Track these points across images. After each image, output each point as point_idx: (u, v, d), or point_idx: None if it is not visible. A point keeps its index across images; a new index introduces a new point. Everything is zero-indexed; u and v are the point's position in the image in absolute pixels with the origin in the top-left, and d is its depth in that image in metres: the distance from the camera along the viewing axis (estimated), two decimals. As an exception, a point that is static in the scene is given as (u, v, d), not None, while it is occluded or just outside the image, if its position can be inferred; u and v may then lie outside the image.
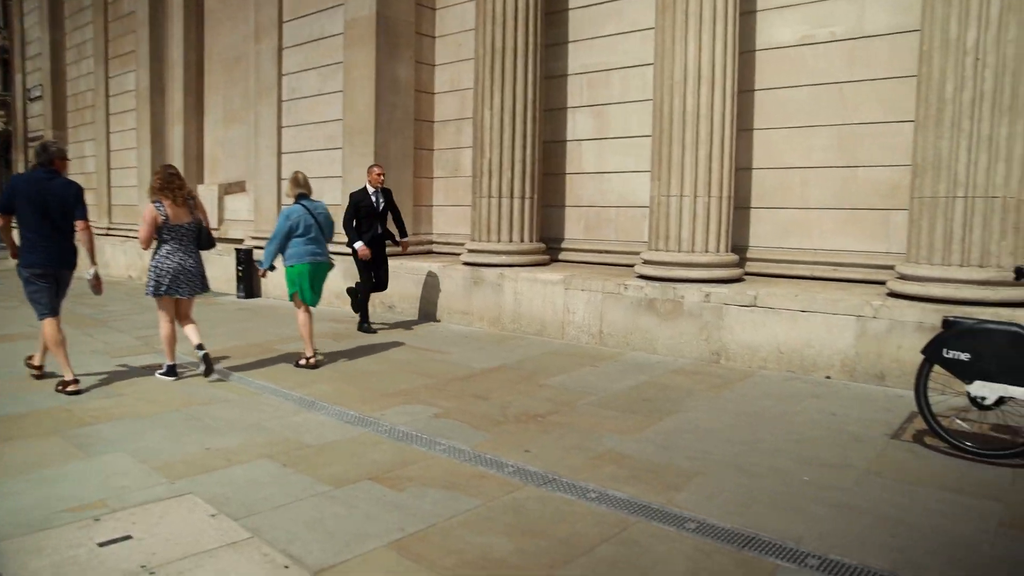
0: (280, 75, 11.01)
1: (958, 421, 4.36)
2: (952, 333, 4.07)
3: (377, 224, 7.83)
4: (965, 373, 4.01)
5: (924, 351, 4.18)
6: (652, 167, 6.90)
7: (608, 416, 4.86)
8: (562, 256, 8.63)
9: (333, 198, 10.27)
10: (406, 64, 9.72)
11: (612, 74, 8.26)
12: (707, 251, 6.58)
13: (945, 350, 4.06)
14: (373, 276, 7.96)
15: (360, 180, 8.39)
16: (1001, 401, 3.97)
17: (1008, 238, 5.23)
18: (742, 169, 7.17)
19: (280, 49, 10.98)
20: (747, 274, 7.00)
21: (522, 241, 8.12)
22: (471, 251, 8.27)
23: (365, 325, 7.96)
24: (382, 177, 7.85)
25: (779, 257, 7.04)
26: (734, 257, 6.75)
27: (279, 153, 11.11)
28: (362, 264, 7.80)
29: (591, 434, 4.48)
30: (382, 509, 3.37)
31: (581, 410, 5.00)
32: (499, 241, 8.08)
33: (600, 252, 8.35)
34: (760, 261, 7.15)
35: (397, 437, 4.43)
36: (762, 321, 6.06)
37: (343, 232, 7.73)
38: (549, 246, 8.60)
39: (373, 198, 7.76)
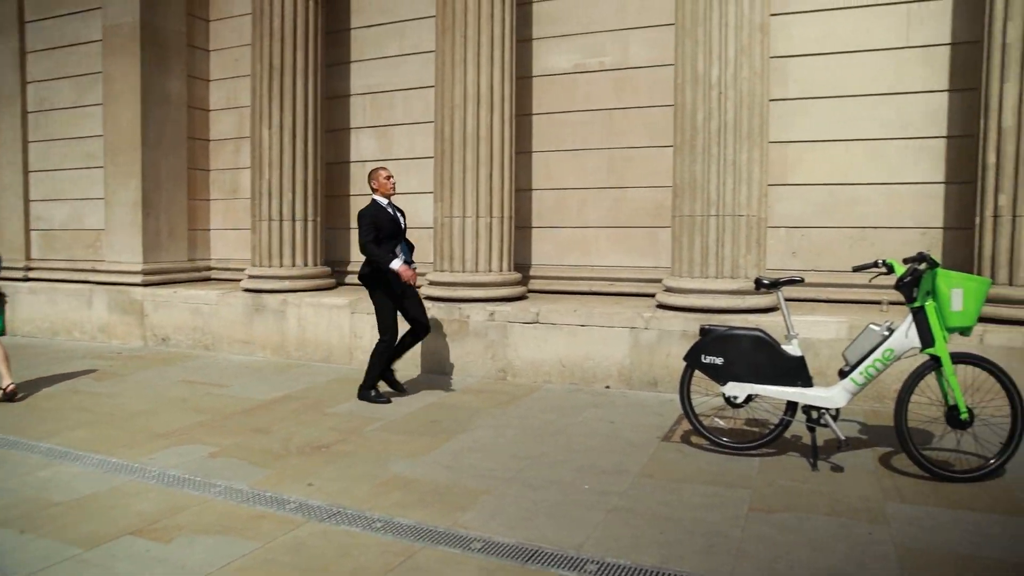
0: (24, 82, 9.85)
1: (716, 420, 4.78)
2: (708, 340, 4.44)
3: (404, 244, 5.83)
4: (719, 375, 4.40)
5: (685, 358, 4.53)
6: (435, 188, 6.96)
7: (396, 440, 4.77)
8: (349, 280, 8.43)
9: (96, 221, 9.32)
10: (177, 78, 9.08)
11: (395, 95, 8.25)
12: (491, 270, 6.72)
13: (703, 356, 4.42)
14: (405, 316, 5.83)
15: (127, 202, 7.68)
16: (750, 399, 4.39)
17: (753, 252, 5.85)
18: (523, 190, 7.45)
19: (23, 52, 9.83)
20: (531, 291, 7.25)
21: (306, 265, 7.83)
22: (252, 277, 7.83)
23: (379, 394, 5.83)
24: (393, 182, 5.82)
25: (561, 274, 7.37)
26: (517, 276, 6.95)
27: (25, 171, 9.90)
28: (391, 299, 5.67)
29: (378, 460, 4.37)
30: (144, 567, 3.03)
31: (369, 436, 4.87)
32: (281, 266, 7.73)
33: (388, 274, 8.26)
34: (543, 279, 7.44)
35: (167, 482, 4.04)
36: (545, 337, 6.28)
37: (372, 255, 5.56)
38: (335, 270, 8.37)
39: (390, 210, 5.75)
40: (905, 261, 4.20)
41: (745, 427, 4.87)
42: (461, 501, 3.72)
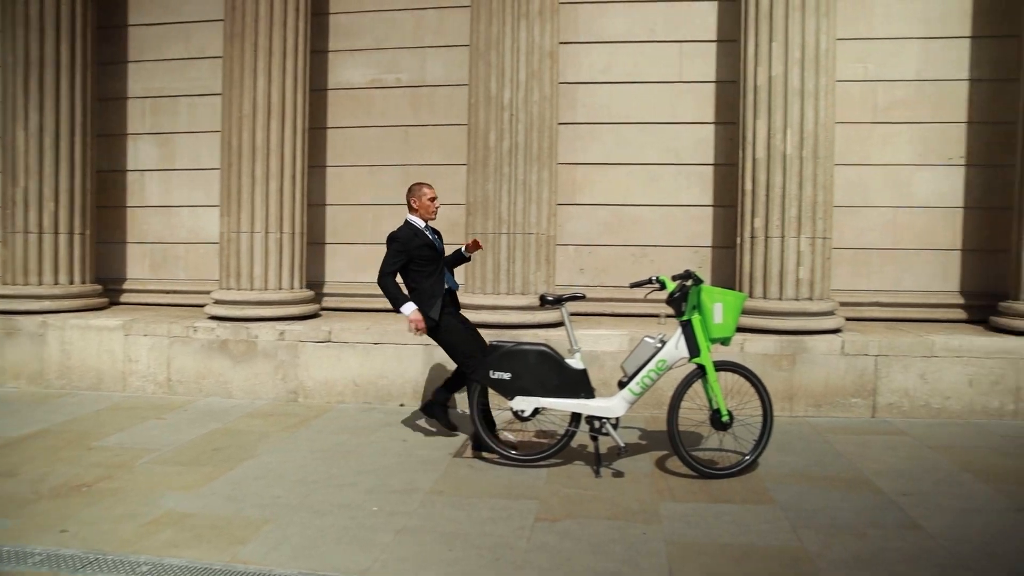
0: None
1: (506, 433, 4.88)
2: (495, 356, 4.49)
3: (447, 273, 5.09)
4: (507, 390, 4.48)
5: (474, 375, 4.59)
6: (222, 202, 6.56)
7: (171, 473, 4.40)
8: (124, 298, 7.73)
9: None
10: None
11: (180, 101, 7.71)
12: (281, 288, 6.45)
13: (491, 372, 4.48)
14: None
15: None
16: (536, 412, 4.52)
17: (543, 268, 6.09)
18: (316, 205, 7.24)
19: None
20: (325, 309, 7.04)
21: (71, 283, 7.05)
22: (3, 296, 6.92)
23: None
24: (438, 205, 5.09)
25: (356, 291, 7.21)
26: (309, 293, 6.72)
27: None
28: (456, 319, 5.02)
29: (149, 496, 3.99)
30: None
31: (139, 470, 4.45)
32: (40, 284, 6.90)
33: (169, 292, 7.66)
34: (338, 296, 7.25)
35: None
36: (337, 356, 6.11)
37: (385, 291, 4.90)
38: (108, 287, 7.62)
39: (428, 234, 5.01)
40: (675, 278, 4.55)
41: (535, 439, 5.00)
42: (241, 533, 3.49)
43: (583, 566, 3.18)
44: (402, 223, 5.02)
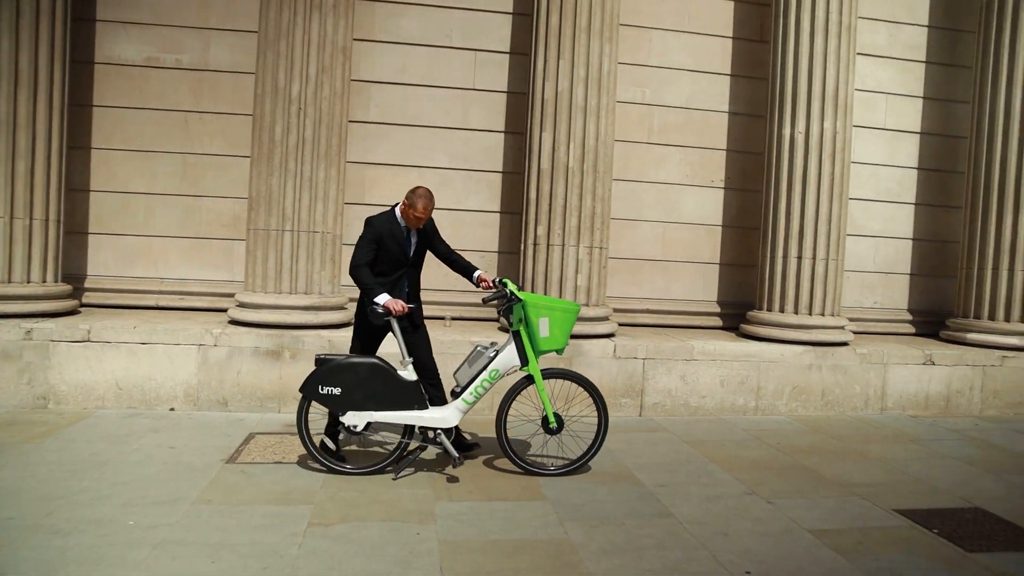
0: None
1: (327, 441, 4.60)
2: (325, 370, 4.28)
3: (406, 278, 4.70)
4: (339, 405, 4.30)
5: (301, 389, 4.33)
6: (-44, 180, 5.73)
7: None
8: None
9: None
10: None
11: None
12: (29, 281, 5.74)
13: (321, 387, 4.27)
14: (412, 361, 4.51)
15: None
16: (369, 426, 4.38)
17: (327, 268, 5.94)
18: (78, 190, 6.54)
19: None
20: (86, 306, 6.38)
21: None
22: None
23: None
24: (416, 216, 4.57)
25: (124, 287, 6.61)
26: (66, 288, 6.05)
27: None
28: (373, 332, 4.66)
29: None
30: None
31: None
32: None
33: None
34: (102, 291, 6.60)
35: None
36: (98, 357, 5.55)
37: (358, 281, 4.48)
38: None
39: (404, 233, 4.64)
40: (492, 283, 4.66)
41: (370, 449, 4.89)
42: (-43, 561, 3.06)
43: (355, 569, 3.14)
44: (386, 212, 4.69)
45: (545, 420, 4.57)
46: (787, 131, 6.77)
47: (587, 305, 6.20)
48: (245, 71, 6.58)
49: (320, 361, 4.32)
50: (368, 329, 4.62)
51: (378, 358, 4.40)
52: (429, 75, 6.92)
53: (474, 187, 7.00)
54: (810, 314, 6.60)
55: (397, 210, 4.64)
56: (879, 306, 7.95)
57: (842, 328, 6.72)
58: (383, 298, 4.39)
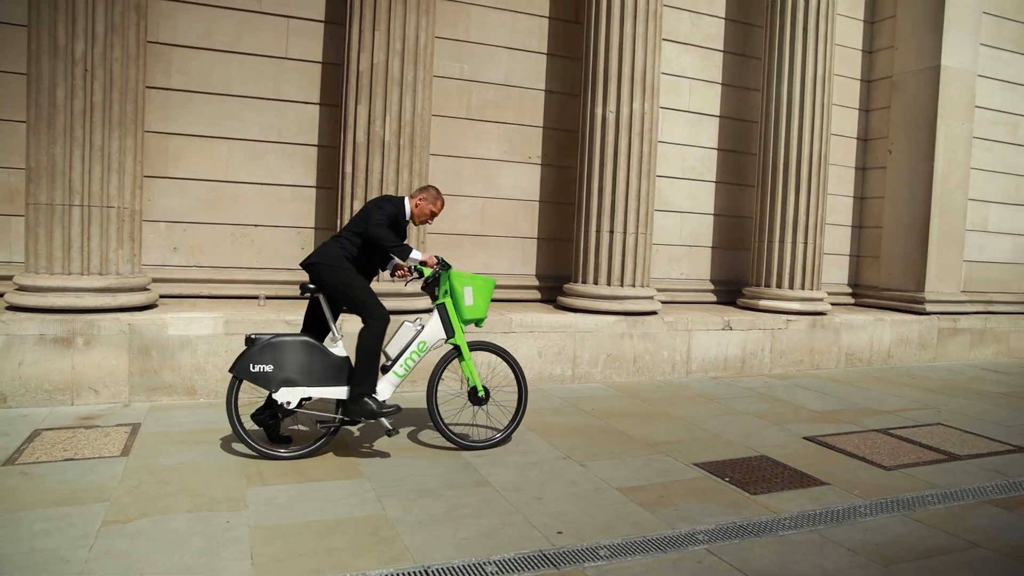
0: None
1: (253, 424, 4.44)
2: (256, 349, 4.20)
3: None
4: (270, 382, 4.23)
5: (232, 369, 4.23)
6: None
7: None
8: None
9: None
10: None
11: None
12: None
13: (251, 365, 4.19)
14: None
15: None
16: (301, 403, 4.32)
17: (126, 246, 5.46)
18: None
19: None
20: None
21: None
22: None
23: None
24: (430, 216, 4.80)
25: None
26: None
27: None
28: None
29: None
30: None
31: None
32: None
33: None
34: None
35: None
36: None
37: (385, 239, 4.39)
38: None
39: (405, 226, 4.74)
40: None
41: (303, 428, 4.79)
42: None
43: (156, 567, 2.93)
44: (390, 200, 4.66)
45: (473, 391, 4.69)
46: (599, 111, 7.06)
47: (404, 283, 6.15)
48: (15, 23, 5.85)
49: (250, 340, 4.26)
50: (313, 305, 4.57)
51: (307, 336, 4.37)
52: (238, 41, 6.51)
53: (288, 161, 6.70)
54: (622, 285, 6.97)
55: (407, 202, 4.71)
56: (685, 277, 8.54)
57: (651, 298, 7.15)
58: (417, 254, 4.47)
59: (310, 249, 6.70)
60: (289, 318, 5.67)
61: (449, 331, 4.60)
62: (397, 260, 4.68)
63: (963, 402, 6.82)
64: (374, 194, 6.04)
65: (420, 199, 4.71)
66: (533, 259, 7.74)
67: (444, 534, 3.37)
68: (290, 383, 4.25)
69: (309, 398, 4.36)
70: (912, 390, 7.27)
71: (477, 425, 5.00)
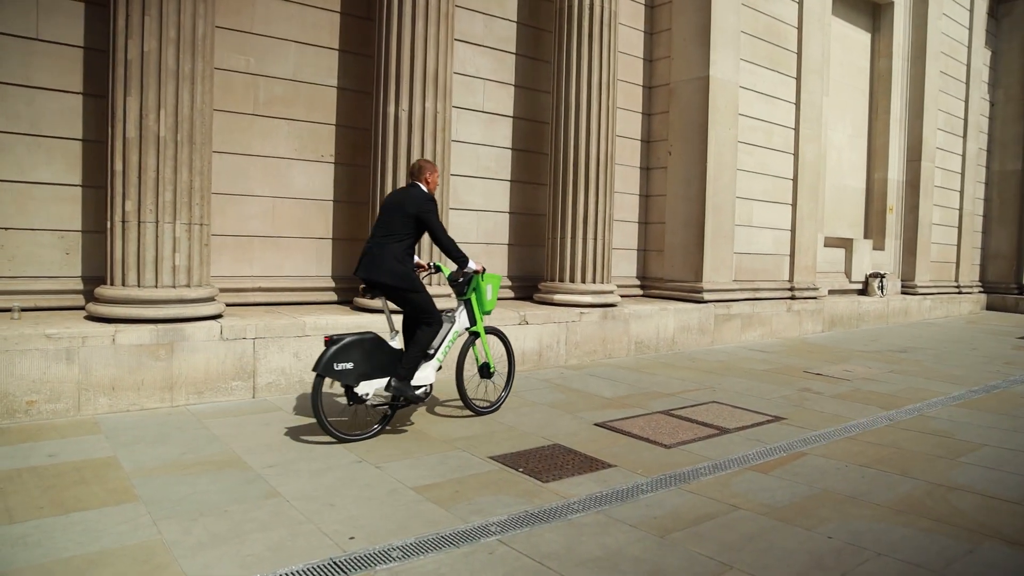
0: None
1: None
2: (338, 348, 4.70)
3: None
4: (351, 378, 4.79)
5: (315, 368, 4.66)
6: None
7: None
8: None
9: None
10: None
11: None
12: None
13: (335, 364, 4.69)
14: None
15: None
16: (370, 395, 4.92)
17: None
18: None
19: None
20: None
21: None
22: None
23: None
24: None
25: None
26: None
27: None
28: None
29: None
30: None
31: None
32: None
33: None
34: None
35: None
36: None
37: (455, 251, 5.27)
38: None
39: None
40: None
41: (364, 418, 5.25)
42: None
43: None
44: (414, 188, 5.22)
45: (485, 367, 5.70)
46: (392, 109, 7.00)
47: (188, 286, 5.74)
48: None
49: (331, 340, 4.74)
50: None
51: (374, 333, 4.98)
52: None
53: (45, 156, 6.00)
54: (420, 285, 6.96)
55: (422, 187, 5.22)
56: (483, 275, 8.71)
57: (450, 296, 7.19)
58: (473, 264, 5.38)
59: (76, 254, 6.08)
60: (50, 331, 5.09)
61: (473, 321, 5.55)
62: (420, 260, 5.42)
63: (734, 380, 7.52)
64: (150, 195, 5.55)
65: (430, 176, 5.29)
66: (328, 260, 7.52)
67: (227, 553, 3.17)
68: (368, 376, 4.87)
69: (378, 389, 4.98)
70: (692, 372, 7.90)
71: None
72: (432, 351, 5.26)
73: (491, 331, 5.82)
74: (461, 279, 5.49)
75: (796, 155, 11.65)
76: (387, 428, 5.12)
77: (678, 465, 4.66)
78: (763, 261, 11.21)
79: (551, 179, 8.65)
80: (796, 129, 11.65)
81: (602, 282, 8.50)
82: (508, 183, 8.92)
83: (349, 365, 4.75)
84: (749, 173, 10.89)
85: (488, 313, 5.70)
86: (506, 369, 5.98)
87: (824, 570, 3.26)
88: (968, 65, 17.28)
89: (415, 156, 6.95)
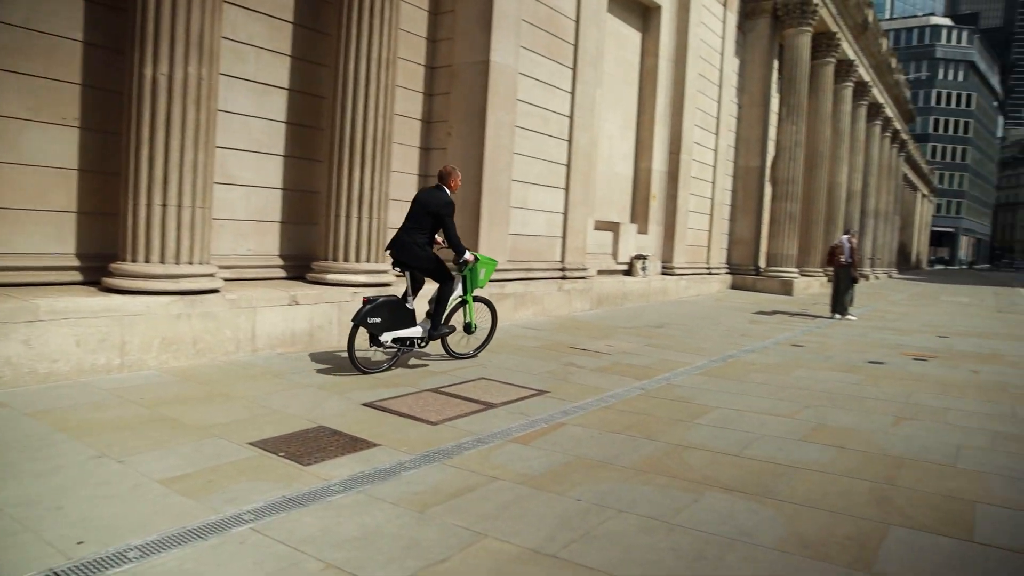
0: None
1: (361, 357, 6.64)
2: (372, 305, 6.41)
3: None
4: (378, 329, 6.50)
5: (354, 319, 6.40)
6: None
7: None
8: None
9: None
10: None
11: None
12: None
13: (368, 318, 6.38)
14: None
15: None
16: (389, 342, 6.64)
17: None
18: None
19: None
20: None
21: None
22: None
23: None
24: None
25: None
26: None
27: None
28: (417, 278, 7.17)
29: None
30: None
31: None
32: None
33: None
34: None
35: None
36: None
37: (459, 244, 7.19)
38: None
39: None
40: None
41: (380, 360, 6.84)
42: None
43: None
44: (439, 191, 7.06)
45: (469, 325, 7.54)
46: (149, 71, 6.40)
47: None
48: None
49: (367, 300, 6.47)
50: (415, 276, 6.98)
51: (395, 296, 6.78)
52: None
53: None
54: (178, 263, 6.46)
55: (447, 189, 7.06)
56: (253, 253, 8.28)
57: (212, 276, 6.77)
58: (469, 255, 7.19)
59: None
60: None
61: (466, 291, 7.42)
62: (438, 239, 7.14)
63: (505, 357, 7.82)
64: None
65: (450, 182, 7.14)
66: (72, 236, 6.73)
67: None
68: (389, 328, 6.58)
69: (394, 337, 6.70)
70: (466, 351, 8.11)
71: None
72: (442, 311, 7.13)
73: (482, 300, 7.81)
74: (463, 262, 7.18)
75: (570, 142, 12.27)
76: (395, 365, 6.95)
77: (443, 441, 4.77)
78: (537, 242, 11.73)
79: (328, 155, 8.41)
80: (571, 117, 12.27)
81: (377, 261, 8.43)
82: (282, 158, 8.54)
83: (378, 320, 6.48)
84: (526, 157, 11.31)
85: (481, 287, 7.63)
86: (487, 330, 7.95)
87: (571, 530, 3.50)
88: (721, 71, 19.17)
89: (176, 125, 6.41)
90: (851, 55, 27.46)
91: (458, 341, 7.67)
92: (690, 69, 16.97)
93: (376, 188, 8.37)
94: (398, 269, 6.96)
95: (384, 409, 5.45)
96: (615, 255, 14.89)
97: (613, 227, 14.95)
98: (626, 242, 15.08)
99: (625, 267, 15.10)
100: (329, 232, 8.31)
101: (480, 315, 7.73)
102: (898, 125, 43.35)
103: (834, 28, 24.36)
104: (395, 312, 6.60)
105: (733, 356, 8.86)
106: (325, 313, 7.67)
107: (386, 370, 6.70)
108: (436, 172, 10.50)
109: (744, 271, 21.36)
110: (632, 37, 15.97)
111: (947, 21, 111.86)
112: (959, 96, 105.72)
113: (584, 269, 12.72)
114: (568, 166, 12.27)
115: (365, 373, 6.47)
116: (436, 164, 10.61)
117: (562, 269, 12.15)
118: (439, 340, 7.26)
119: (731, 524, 3.66)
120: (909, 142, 51.72)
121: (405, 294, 6.86)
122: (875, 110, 35.72)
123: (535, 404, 5.89)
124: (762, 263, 22.01)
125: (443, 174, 7.10)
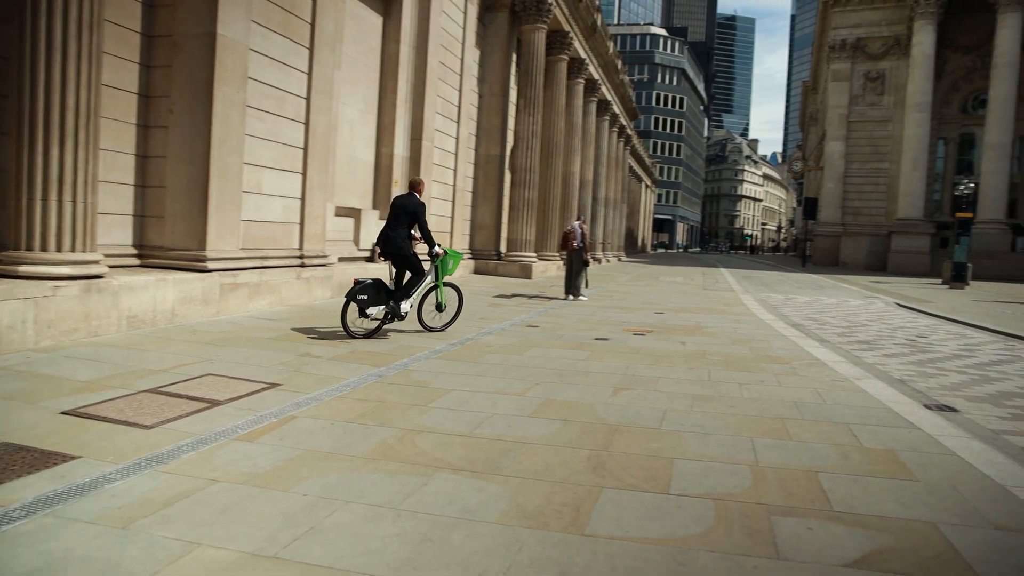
0: None
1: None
2: (361, 286, 8.44)
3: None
4: (365, 304, 8.53)
5: (347, 296, 8.43)
6: None
7: None
8: None
9: None
10: None
11: None
12: None
13: (358, 296, 8.40)
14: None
15: None
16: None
17: None
18: None
19: None
20: None
21: None
22: None
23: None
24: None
25: None
26: None
27: None
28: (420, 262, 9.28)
29: None
30: None
31: None
32: None
33: None
34: None
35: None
36: None
37: (431, 237, 9.20)
38: None
39: None
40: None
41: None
42: None
43: None
44: (412, 196, 9.05)
45: (439, 305, 9.51)
46: None
47: None
48: None
49: (357, 281, 8.45)
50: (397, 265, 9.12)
51: (380, 279, 8.81)
52: None
53: None
54: None
55: (417, 195, 9.12)
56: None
57: None
58: (439, 248, 9.23)
59: None
60: None
61: (437, 278, 9.40)
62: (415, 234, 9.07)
63: (236, 351, 7.37)
64: None
65: (421, 189, 9.27)
66: None
67: None
68: (374, 304, 8.58)
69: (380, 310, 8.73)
70: (191, 346, 7.51)
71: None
72: (412, 293, 8.94)
73: (451, 285, 9.86)
74: (433, 255, 9.08)
75: (308, 125, 11.84)
76: (376, 335, 8.74)
77: (158, 446, 4.38)
78: (272, 229, 11.21)
79: (16, 129, 7.27)
80: (308, 99, 11.83)
81: (84, 251, 7.48)
82: (-47, 129, 7.25)
83: (365, 297, 8.43)
84: (260, 140, 10.72)
85: (450, 275, 9.63)
86: (455, 309, 9.88)
87: (294, 527, 3.39)
88: (462, 60, 19.63)
89: None
90: (583, 54, 29.59)
91: (432, 317, 9.57)
92: (432, 57, 17.17)
93: (81, 168, 7.41)
94: (383, 258, 9.15)
95: (89, 416, 4.87)
96: (356, 242, 14.70)
97: (355, 213, 14.74)
98: (368, 228, 14.94)
99: (368, 254, 14.97)
100: (21, 217, 7.20)
101: (448, 297, 9.77)
102: (624, 121, 47.64)
103: (567, 28, 26.05)
104: (378, 292, 8.62)
105: (471, 339, 9.16)
106: (17, 311, 6.63)
107: (368, 337, 8.65)
108: (155, 152, 9.68)
109: (486, 256, 22.18)
110: (374, 21, 15.80)
111: (663, 32, 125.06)
112: (674, 98, 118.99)
113: (324, 256, 12.39)
114: (306, 150, 11.84)
115: (353, 337, 8.52)
116: (157, 143, 9.71)
117: (301, 257, 11.73)
118: (416, 316, 9.44)
119: (458, 504, 3.76)
120: (634, 137, 57.17)
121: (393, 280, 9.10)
122: (604, 106, 38.90)
123: (266, 398, 5.62)
124: (503, 248, 23.02)
125: (413, 183, 9.25)
